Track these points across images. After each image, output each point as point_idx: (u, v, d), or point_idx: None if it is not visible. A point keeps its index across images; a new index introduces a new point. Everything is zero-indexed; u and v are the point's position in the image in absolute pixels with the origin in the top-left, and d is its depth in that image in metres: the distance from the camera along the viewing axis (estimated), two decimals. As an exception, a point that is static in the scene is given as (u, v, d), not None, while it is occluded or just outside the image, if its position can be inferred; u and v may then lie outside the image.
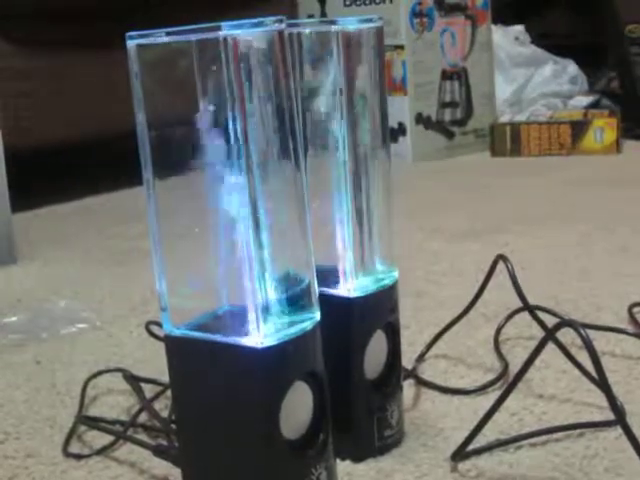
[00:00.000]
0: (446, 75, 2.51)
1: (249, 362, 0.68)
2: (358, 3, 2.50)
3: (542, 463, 0.81)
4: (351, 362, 0.82)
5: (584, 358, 0.81)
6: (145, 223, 0.72)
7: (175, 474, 0.81)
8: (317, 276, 0.72)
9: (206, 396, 0.71)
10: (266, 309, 0.68)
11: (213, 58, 0.64)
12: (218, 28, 0.63)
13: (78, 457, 0.88)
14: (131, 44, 0.68)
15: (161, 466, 0.83)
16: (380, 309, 0.84)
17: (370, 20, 0.79)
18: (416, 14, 2.44)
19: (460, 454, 0.82)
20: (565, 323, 0.76)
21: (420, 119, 2.47)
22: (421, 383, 0.99)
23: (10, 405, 1.01)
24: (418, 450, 0.85)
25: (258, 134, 0.66)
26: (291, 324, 0.69)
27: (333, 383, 0.74)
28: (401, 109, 2.45)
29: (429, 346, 1.07)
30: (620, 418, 0.73)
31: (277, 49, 0.66)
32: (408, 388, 0.97)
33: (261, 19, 0.65)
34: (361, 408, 0.83)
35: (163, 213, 0.72)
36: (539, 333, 1.00)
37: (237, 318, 0.68)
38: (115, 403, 1.00)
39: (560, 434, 0.86)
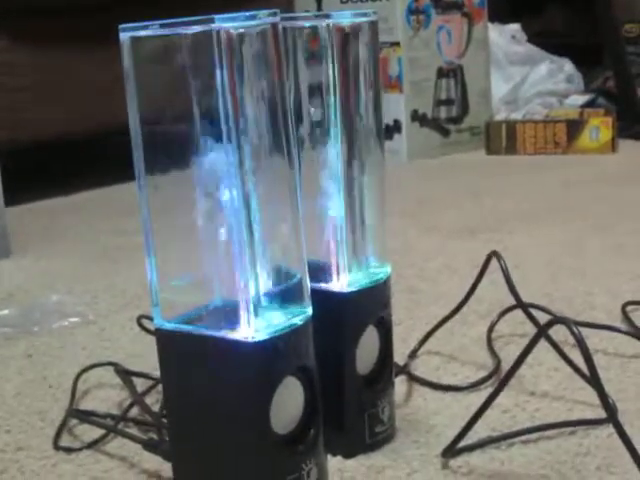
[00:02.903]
0: (442, 73, 2.51)
1: (240, 356, 0.68)
2: (354, 0, 2.49)
3: (534, 460, 0.81)
4: (343, 357, 0.82)
5: (577, 356, 0.81)
6: (138, 218, 0.72)
7: (166, 468, 0.80)
8: (309, 271, 0.72)
9: (197, 390, 0.71)
10: (258, 303, 0.68)
11: (206, 51, 0.64)
12: (211, 21, 0.63)
13: (69, 451, 0.88)
14: (124, 36, 0.68)
15: (152, 460, 0.83)
16: (372, 305, 0.83)
17: (364, 14, 0.79)
18: (412, 11, 2.43)
19: (451, 451, 0.82)
20: (558, 320, 0.76)
21: (416, 116, 2.47)
22: (413, 379, 0.99)
23: (1, 398, 1.01)
24: (409, 446, 0.85)
25: (251, 128, 0.66)
26: (283, 319, 0.69)
27: (324, 378, 0.74)
28: (397, 106, 2.44)
29: (422, 342, 1.07)
30: (612, 416, 0.73)
31: (271, 42, 0.66)
32: (400, 384, 0.96)
33: (255, 12, 0.65)
34: (352, 404, 0.83)
35: (156, 208, 0.71)
36: (532, 330, 0.99)
37: (228, 312, 0.68)
38: (106, 397, 1.00)
39: (552, 431, 0.86)
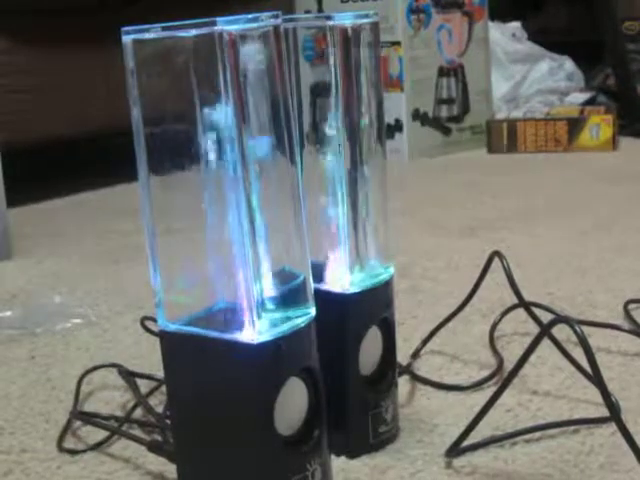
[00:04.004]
0: (443, 72, 2.51)
1: (244, 358, 0.68)
2: (355, 0, 2.49)
3: (537, 459, 0.81)
4: (346, 358, 0.82)
5: (579, 354, 0.81)
6: (141, 219, 0.72)
7: (170, 469, 0.80)
8: (312, 272, 0.72)
9: (201, 392, 0.71)
10: (261, 305, 0.68)
11: (208, 53, 0.64)
12: (213, 23, 0.63)
13: (73, 452, 0.88)
14: (127, 39, 0.68)
15: (156, 461, 0.83)
16: (375, 305, 0.83)
17: (366, 15, 0.79)
18: (413, 10, 2.43)
19: (455, 450, 0.82)
20: (560, 319, 0.76)
21: (417, 115, 2.47)
22: (416, 379, 0.99)
23: (5, 400, 1.01)
24: (413, 446, 0.85)
25: (253, 129, 0.66)
26: (286, 320, 0.69)
27: (328, 379, 0.74)
28: (398, 105, 2.45)
29: (424, 342, 1.07)
30: (615, 415, 0.73)
31: (273, 44, 0.66)
32: (403, 384, 0.97)
33: (257, 14, 0.65)
34: (356, 404, 0.83)
35: (158, 209, 0.71)
36: (535, 329, 0.99)
37: (232, 314, 0.68)
38: (110, 398, 1.00)
39: (555, 430, 0.86)
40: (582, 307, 1.19)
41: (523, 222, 1.68)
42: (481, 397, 0.92)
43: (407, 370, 1.00)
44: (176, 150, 0.69)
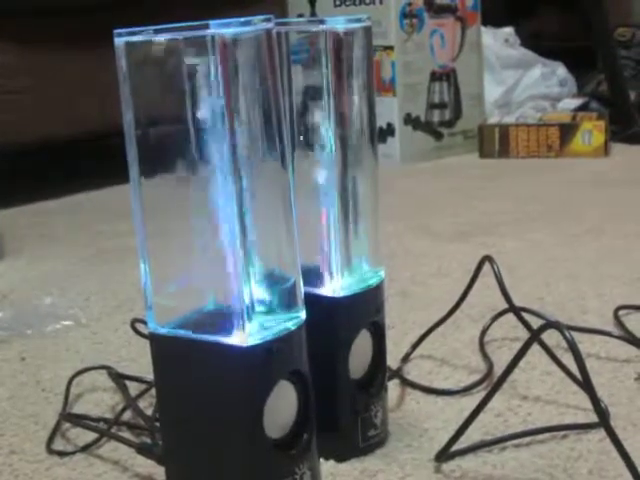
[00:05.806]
0: (435, 76, 2.51)
1: (233, 361, 0.68)
2: (348, 3, 2.50)
3: (526, 464, 0.81)
4: (336, 362, 0.82)
5: (569, 360, 0.81)
6: (132, 221, 0.72)
7: (159, 472, 0.80)
8: (303, 275, 0.72)
9: (190, 394, 0.71)
10: (251, 308, 0.68)
11: (200, 56, 0.64)
12: (206, 26, 0.63)
13: (62, 454, 0.88)
14: (119, 41, 0.68)
15: (145, 464, 0.83)
16: (365, 309, 0.84)
17: (359, 20, 0.79)
18: (406, 15, 2.44)
19: (444, 455, 0.82)
20: (550, 325, 0.76)
21: (409, 120, 2.47)
22: (406, 383, 0.99)
23: (-6, 402, 1.01)
24: (402, 450, 0.85)
25: (245, 133, 0.66)
26: (276, 323, 0.69)
27: (318, 383, 0.74)
28: (390, 109, 2.45)
29: (414, 346, 1.07)
30: (604, 421, 0.73)
31: (265, 48, 0.66)
32: (393, 388, 0.97)
33: (249, 18, 0.65)
34: (345, 408, 0.83)
35: (149, 211, 0.71)
36: (525, 334, 1.00)
37: (222, 317, 0.68)
38: (100, 401, 1.00)
39: (544, 435, 0.86)
40: (572, 312, 1.19)
41: (514, 227, 1.68)
42: (471, 402, 0.92)
43: (397, 374, 1.00)
44: (168, 152, 0.69)
